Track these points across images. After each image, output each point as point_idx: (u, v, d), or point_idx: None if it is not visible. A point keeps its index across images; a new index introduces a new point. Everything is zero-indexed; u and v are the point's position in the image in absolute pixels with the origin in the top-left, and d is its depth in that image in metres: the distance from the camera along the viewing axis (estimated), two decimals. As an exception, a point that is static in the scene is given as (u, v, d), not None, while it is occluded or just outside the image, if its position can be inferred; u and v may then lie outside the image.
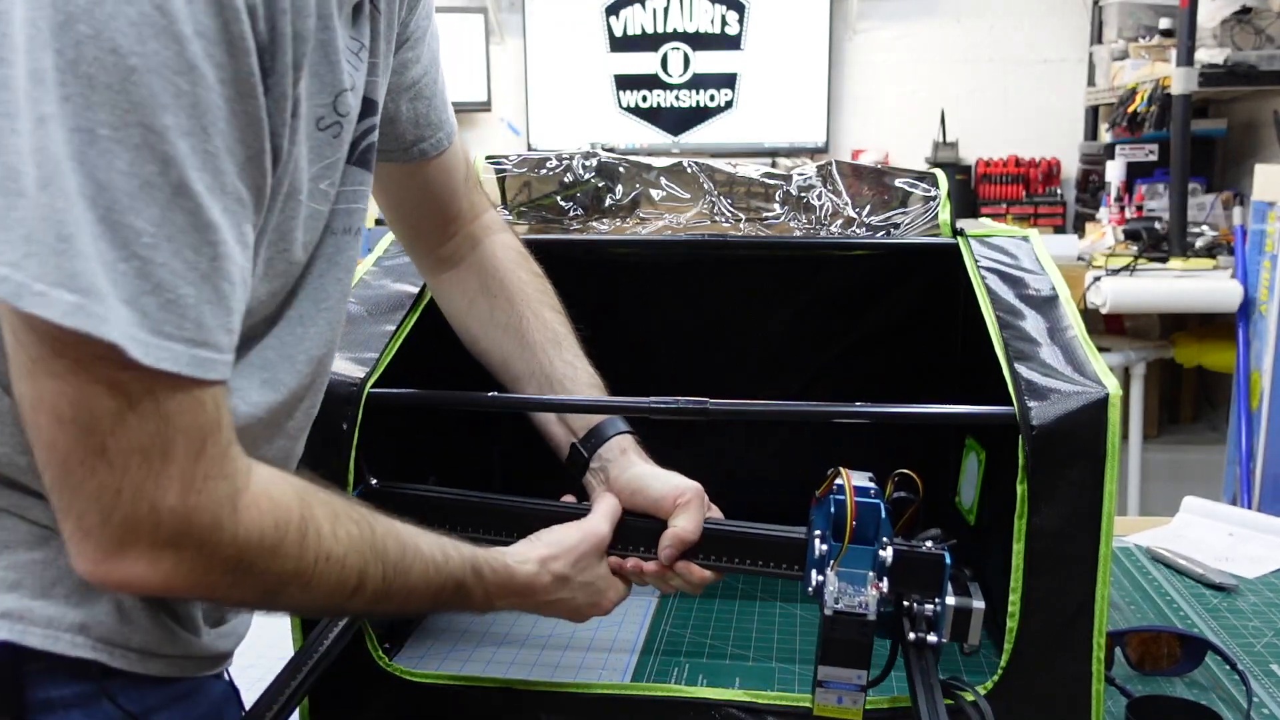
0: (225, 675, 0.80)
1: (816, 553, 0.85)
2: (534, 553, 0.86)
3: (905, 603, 0.84)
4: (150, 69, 0.53)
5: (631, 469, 0.96)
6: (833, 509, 0.84)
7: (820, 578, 0.84)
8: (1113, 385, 0.85)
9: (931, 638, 0.82)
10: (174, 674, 0.71)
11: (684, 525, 0.91)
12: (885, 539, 0.84)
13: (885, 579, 0.83)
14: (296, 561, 0.65)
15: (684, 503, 0.92)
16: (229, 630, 0.78)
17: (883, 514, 0.84)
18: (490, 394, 1.00)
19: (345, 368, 0.96)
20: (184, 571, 0.60)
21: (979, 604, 0.83)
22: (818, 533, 0.85)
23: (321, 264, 0.75)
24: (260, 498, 0.63)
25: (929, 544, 0.85)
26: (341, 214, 0.76)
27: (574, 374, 1.00)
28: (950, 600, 0.83)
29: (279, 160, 0.64)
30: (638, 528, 0.93)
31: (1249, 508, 2.60)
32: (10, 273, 0.52)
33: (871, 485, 0.85)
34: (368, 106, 0.77)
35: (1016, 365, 0.90)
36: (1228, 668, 1.06)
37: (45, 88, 0.52)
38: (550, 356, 1.00)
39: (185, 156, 0.55)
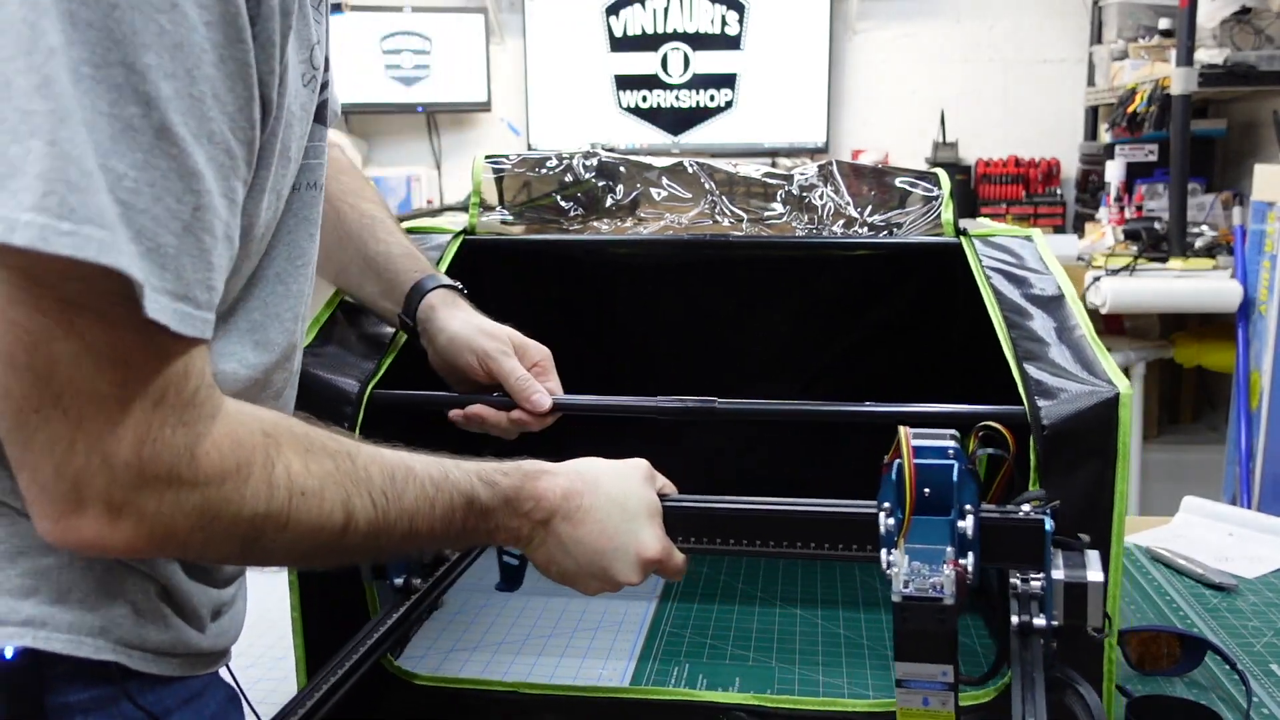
0: (230, 676, 0.80)
1: (883, 528, 0.74)
2: (563, 463, 0.83)
3: (1012, 580, 0.72)
4: (132, 5, 0.51)
5: (447, 330, 0.99)
6: (894, 475, 0.73)
7: (889, 557, 0.72)
8: (1124, 385, 0.84)
9: (1039, 620, 0.70)
10: (184, 673, 0.71)
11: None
12: (969, 506, 0.72)
13: (970, 554, 0.71)
14: (267, 503, 0.61)
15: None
16: (226, 625, 0.78)
17: (955, 476, 0.72)
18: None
19: (344, 370, 0.95)
20: (146, 530, 0.57)
21: (1095, 576, 0.70)
22: (885, 505, 0.74)
23: (291, 220, 0.74)
24: (221, 440, 0.59)
25: (1026, 508, 0.74)
26: (306, 169, 0.74)
27: (387, 250, 1.04)
28: (1058, 574, 0.71)
29: (268, 114, 0.61)
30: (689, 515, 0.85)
31: (1249, 508, 2.60)
32: (35, 217, 0.49)
33: (950, 445, 0.73)
34: (326, 62, 0.76)
35: (1026, 365, 0.89)
36: (1227, 668, 1.06)
37: (50, 19, 0.50)
38: (366, 241, 1.04)
39: (168, 99, 0.53)
